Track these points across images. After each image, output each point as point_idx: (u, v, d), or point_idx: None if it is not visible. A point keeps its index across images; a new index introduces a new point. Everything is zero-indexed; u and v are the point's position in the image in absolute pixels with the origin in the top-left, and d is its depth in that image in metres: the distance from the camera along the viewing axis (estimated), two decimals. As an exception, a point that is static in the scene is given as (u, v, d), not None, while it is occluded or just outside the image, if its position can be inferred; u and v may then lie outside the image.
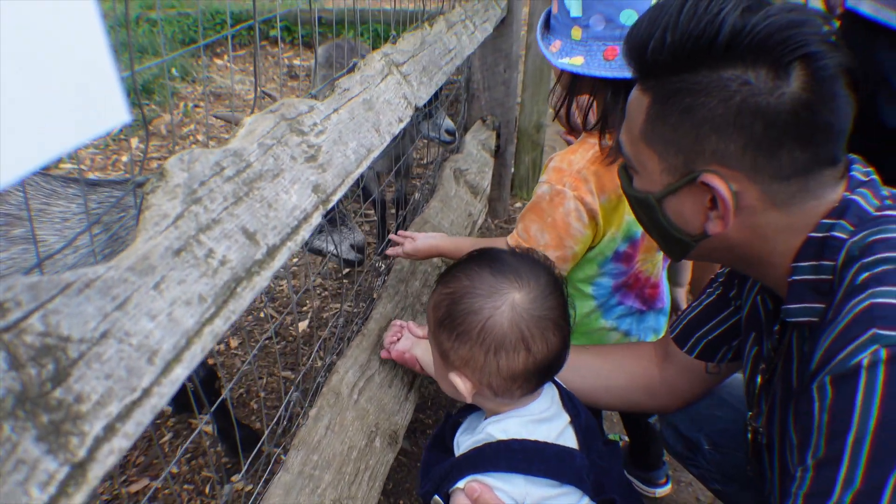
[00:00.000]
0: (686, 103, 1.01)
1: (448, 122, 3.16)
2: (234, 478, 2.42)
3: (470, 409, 1.39)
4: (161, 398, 0.67)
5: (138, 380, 0.66)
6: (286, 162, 1.04)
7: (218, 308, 0.79)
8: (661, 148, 1.08)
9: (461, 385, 1.21)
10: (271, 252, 0.91)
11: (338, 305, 3.26)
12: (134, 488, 2.41)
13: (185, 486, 2.41)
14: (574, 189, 1.65)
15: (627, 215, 1.72)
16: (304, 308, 3.33)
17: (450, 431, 1.39)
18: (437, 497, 1.27)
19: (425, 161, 4.61)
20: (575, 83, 1.66)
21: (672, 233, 1.13)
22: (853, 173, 1.05)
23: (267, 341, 3.12)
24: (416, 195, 3.83)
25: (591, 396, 1.62)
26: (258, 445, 1.51)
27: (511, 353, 1.15)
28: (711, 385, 1.57)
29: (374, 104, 1.42)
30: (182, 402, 2.69)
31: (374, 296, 2.15)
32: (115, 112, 0.48)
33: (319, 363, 1.98)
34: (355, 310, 2.25)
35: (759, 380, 1.27)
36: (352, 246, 2.09)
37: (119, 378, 0.64)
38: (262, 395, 2.81)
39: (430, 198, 2.77)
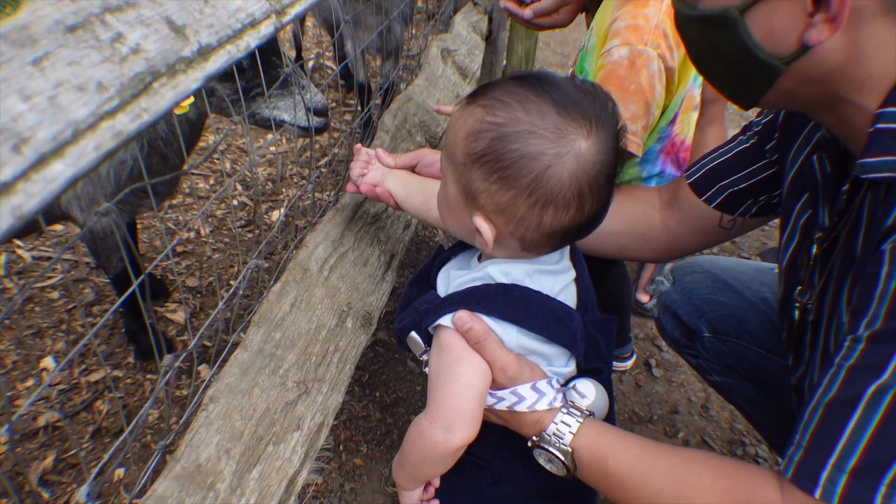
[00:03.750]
0: None
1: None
2: (201, 367, 2.29)
3: (464, 246, 1.23)
4: (29, 198, 0.50)
5: (-6, 169, 0.48)
6: (230, -44, 0.84)
7: (124, 101, 0.60)
8: None
9: (486, 231, 1.01)
10: (204, 52, 0.72)
11: (317, 195, 3.08)
12: (94, 377, 2.28)
13: (148, 376, 2.28)
14: (656, 47, 1.48)
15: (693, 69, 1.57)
16: (280, 197, 3.14)
17: (437, 268, 1.23)
18: (414, 334, 1.13)
19: (410, 52, 4.35)
20: None
21: (757, 57, 0.93)
22: None
23: (240, 229, 2.95)
24: (403, 86, 3.60)
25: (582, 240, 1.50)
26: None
27: (561, 209, 0.97)
28: (715, 240, 1.45)
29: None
30: (151, 289, 2.53)
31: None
32: None
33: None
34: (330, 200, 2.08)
35: (814, 250, 1.10)
36: (308, 110, 1.71)
37: (-36, 163, 0.47)
38: (234, 283, 2.66)
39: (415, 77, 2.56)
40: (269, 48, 1.61)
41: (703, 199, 1.39)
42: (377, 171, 1.49)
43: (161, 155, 1.81)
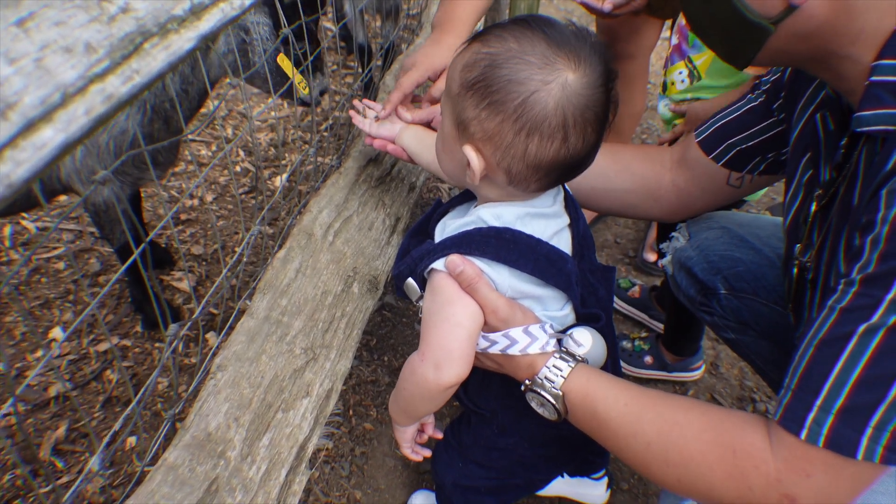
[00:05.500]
0: None
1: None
2: (209, 335, 2.29)
3: (462, 199, 1.26)
4: (18, 166, 0.48)
5: (-20, 137, 0.46)
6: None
7: (114, 63, 0.58)
8: None
9: (475, 161, 1.02)
10: (196, 10, 0.70)
11: (320, 160, 3.06)
12: (102, 347, 2.28)
13: (156, 345, 2.28)
14: None
15: None
16: (283, 162, 3.12)
17: (435, 220, 1.24)
18: (410, 280, 1.16)
19: (410, 11, 4.27)
20: None
21: (745, 17, 0.93)
22: None
23: (244, 196, 2.93)
24: (404, 46, 3.54)
25: (590, 197, 1.50)
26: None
27: (546, 138, 0.98)
28: (724, 199, 1.46)
29: None
30: (156, 258, 2.52)
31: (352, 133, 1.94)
32: None
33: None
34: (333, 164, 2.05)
35: (813, 207, 1.10)
36: (322, 92, 1.90)
37: (-53, 130, 0.45)
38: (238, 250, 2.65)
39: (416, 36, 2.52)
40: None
41: (710, 157, 1.40)
42: (393, 125, 1.51)
43: (165, 120, 1.77)
